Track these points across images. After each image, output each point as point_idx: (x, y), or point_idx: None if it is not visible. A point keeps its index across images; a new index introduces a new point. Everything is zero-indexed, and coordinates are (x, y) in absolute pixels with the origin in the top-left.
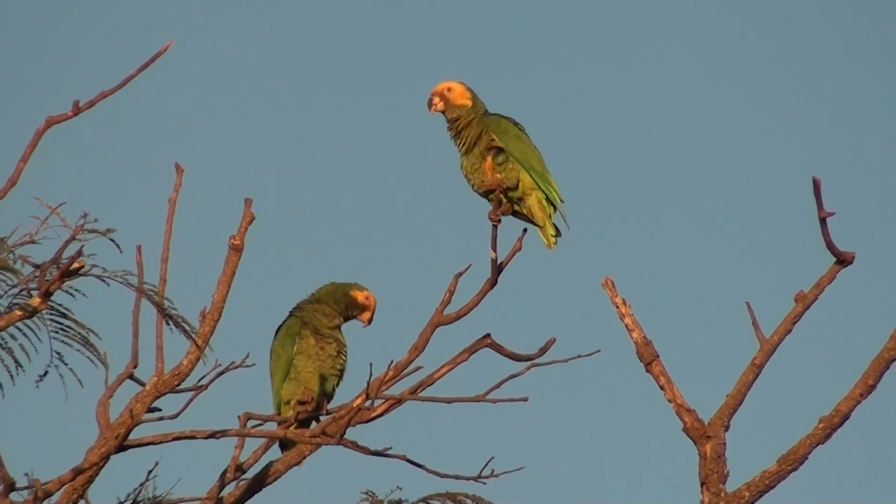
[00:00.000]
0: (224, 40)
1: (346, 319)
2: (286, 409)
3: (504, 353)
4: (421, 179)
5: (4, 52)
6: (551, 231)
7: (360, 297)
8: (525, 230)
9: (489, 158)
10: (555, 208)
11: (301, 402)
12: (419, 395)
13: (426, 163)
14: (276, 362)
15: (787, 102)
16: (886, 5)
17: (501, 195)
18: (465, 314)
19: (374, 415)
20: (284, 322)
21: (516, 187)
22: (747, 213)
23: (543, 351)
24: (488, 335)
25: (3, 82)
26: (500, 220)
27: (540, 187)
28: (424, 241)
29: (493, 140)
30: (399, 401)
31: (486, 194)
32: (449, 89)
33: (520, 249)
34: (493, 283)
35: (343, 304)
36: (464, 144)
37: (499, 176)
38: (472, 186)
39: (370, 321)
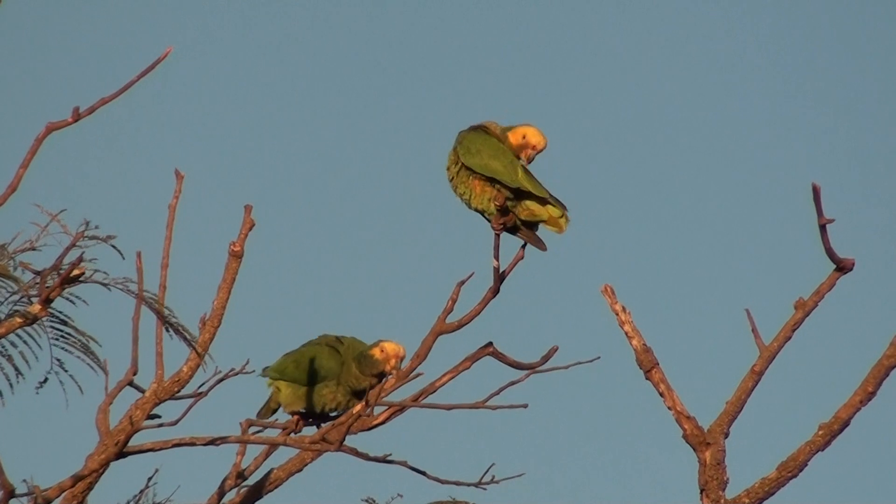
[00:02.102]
0: (224, 47)
1: (376, 377)
2: (276, 396)
3: (506, 361)
4: (424, 188)
5: (4, 57)
6: (556, 213)
7: (377, 354)
8: (526, 243)
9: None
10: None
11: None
12: (420, 402)
13: (429, 171)
14: (297, 365)
15: (787, 108)
16: (887, 8)
17: (505, 205)
18: (468, 323)
19: (375, 422)
20: (333, 351)
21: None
22: (747, 219)
23: (546, 359)
24: (490, 343)
25: (3, 88)
26: (503, 230)
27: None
28: (427, 249)
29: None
30: (400, 408)
31: (480, 210)
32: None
33: (522, 258)
34: (495, 291)
35: (366, 364)
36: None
37: (489, 188)
38: (452, 185)
39: (398, 371)
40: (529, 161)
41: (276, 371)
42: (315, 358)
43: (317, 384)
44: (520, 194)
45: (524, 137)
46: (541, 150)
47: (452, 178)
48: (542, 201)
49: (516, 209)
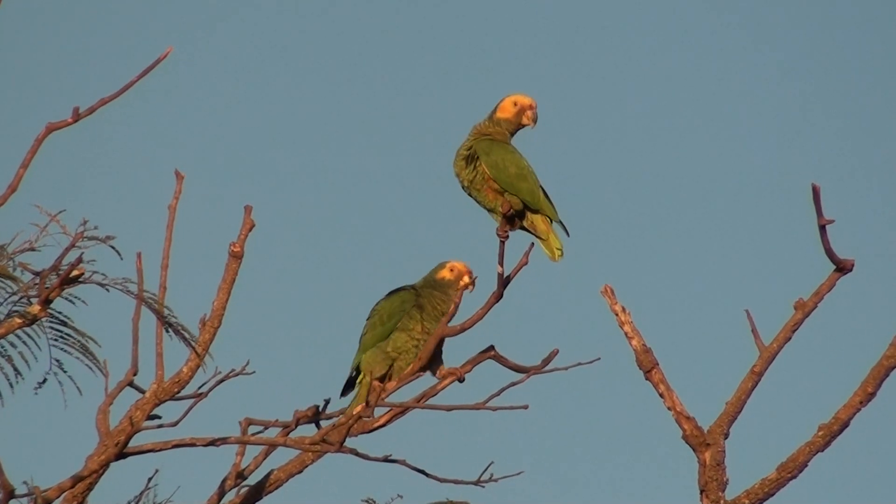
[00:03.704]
0: (224, 47)
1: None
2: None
3: (507, 364)
4: (427, 191)
5: (4, 58)
6: (556, 244)
7: (447, 274)
8: (532, 244)
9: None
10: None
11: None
12: (421, 403)
13: (432, 174)
14: (374, 328)
15: (786, 108)
16: (887, 8)
17: (512, 212)
18: (470, 327)
19: (376, 424)
20: (399, 292)
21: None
22: (747, 219)
23: (546, 362)
24: (492, 347)
25: (4, 88)
26: (507, 236)
27: (530, 209)
28: (431, 253)
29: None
30: (402, 410)
31: (491, 209)
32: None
33: (526, 264)
34: (498, 296)
35: (442, 288)
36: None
37: (500, 197)
38: (463, 184)
39: (473, 284)
40: (535, 120)
41: (358, 353)
42: (394, 306)
43: (403, 324)
44: (528, 208)
45: (515, 104)
46: (536, 107)
47: (468, 182)
48: (549, 224)
49: (525, 213)
